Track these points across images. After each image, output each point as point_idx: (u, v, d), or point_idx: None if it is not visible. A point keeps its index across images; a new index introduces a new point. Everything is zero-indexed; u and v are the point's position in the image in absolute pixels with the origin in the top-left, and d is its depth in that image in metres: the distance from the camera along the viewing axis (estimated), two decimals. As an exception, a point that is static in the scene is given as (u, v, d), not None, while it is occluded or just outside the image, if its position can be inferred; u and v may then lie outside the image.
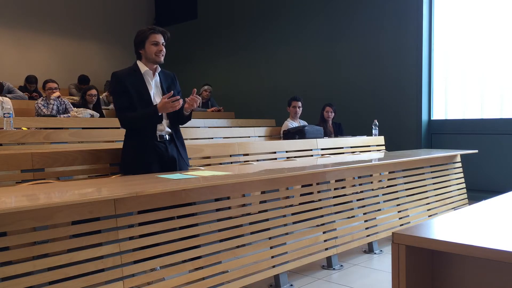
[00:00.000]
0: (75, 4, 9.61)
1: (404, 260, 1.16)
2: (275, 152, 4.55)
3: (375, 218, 3.80)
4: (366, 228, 3.69)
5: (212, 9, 9.34)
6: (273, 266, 2.89)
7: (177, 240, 2.45)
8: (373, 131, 5.92)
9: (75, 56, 9.60)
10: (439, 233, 1.21)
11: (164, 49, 3.09)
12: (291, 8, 7.92)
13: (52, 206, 1.92)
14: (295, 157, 4.67)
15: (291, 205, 3.13)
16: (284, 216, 3.04)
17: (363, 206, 3.74)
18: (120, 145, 3.16)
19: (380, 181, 4.00)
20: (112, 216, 2.21)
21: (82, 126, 4.48)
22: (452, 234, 1.17)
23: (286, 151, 4.68)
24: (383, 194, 3.95)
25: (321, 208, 3.33)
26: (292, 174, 3.02)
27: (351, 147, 5.49)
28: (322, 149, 5.11)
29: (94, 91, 6.06)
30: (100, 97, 6.66)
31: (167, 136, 3.12)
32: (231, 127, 6.31)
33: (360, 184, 3.76)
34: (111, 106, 6.74)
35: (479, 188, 5.79)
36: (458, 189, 4.93)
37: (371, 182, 3.87)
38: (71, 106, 5.89)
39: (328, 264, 3.35)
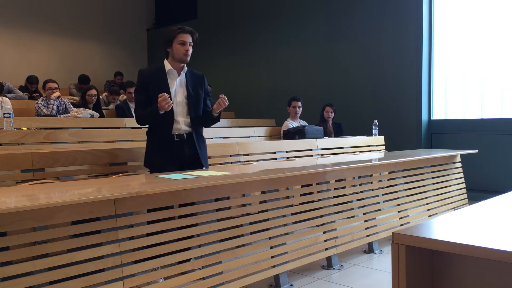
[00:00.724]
0: (75, 4, 9.61)
1: (404, 260, 1.16)
2: (275, 152, 4.55)
3: (375, 218, 3.80)
4: (366, 228, 3.69)
5: (212, 9, 9.34)
6: (273, 266, 2.89)
7: (177, 240, 2.45)
8: (373, 131, 5.92)
9: (75, 56, 9.60)
10: (439, 233, 1.21)
11: (191, 49, 3.12)
12: (291, 8, 7.91)
13: (52, 206, 1.92)
14: (295, 157, 4.67)
15: (291, 205, 3.13)
16: (284, 216, 3.04)
17: (363, 206, 3.74)
18: (120, 145, 3.17)
19: (380, 181, 4.00)
20: (112, 216, 2.21)
21: (82, 126, 4.47)
22: (452, 234, 1.17)
23: (286, 151, 4.68)
24: (383, 194, 3.95)
25: (321, 208, 3.33)
26: (292, 174, 3.02)
27: (351, 147, 5.49)
28: (322, 149, 5.11)
29: (94, 91, 6.05)
30: (100, 97, 6.65)
31: (185, 135, 3.13)
32: (231, 127, 6.31)
33: (360, 184, 3.76)
34: (111, 106, 6.74)
35: (479, 188, 5.79)
36: (458, 189, 4.93)
37: (371, 182, 3.87)
38: (71, 106, 5.89)
39: (328, 264, 3.35)
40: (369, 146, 5.75)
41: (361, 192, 3.76)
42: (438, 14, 6.42)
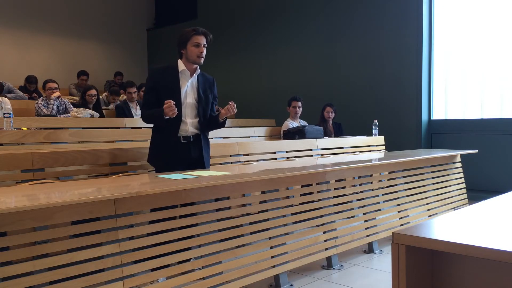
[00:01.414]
0: (75, 4, 9.61)
1: (404, 260, 1.16)
2: (275, 152, 4.55)
3: (375, 218, 3.80)
4: (366, 228, 3.69)
5: (212, 9, 9.34)
6: (273, 266, 2.89)
7: (177, 240, 2.45)
8: (373, 131, 5.92)
9: (75, 56, 9.60)
10: (439, 233, 1.21)
11: (204, 51, 3.11)
12: (291, 8, 7.91)
13: (52, 206, 1.92)
14: (295, 157, 4.67)
15: (291, 205, 3.13)
16: (284, 216, 3.04)
17: (363, 206, 3.74)
18: (120, 145, 3.17)
19: (380, 181, 4.00)
20: (112, 216, 2.21)
21: (82, 126, 4.47)
22: (452, 234, 1.17)
23: (286, 151, 4.68)
24: (383, 194, 3.95)
25: (321, 208, 3.33)
26: (292, 174, 3.02)
27: (351, 147, 5.49)
28: (322, 149, 5.11)
29: (94, 91, 6.05)
30: (100, 97, 6.65)
31: (191, 137, 3.14)
32: (231, 127, 6.31)
33: (360, 184, 3.76)
34: (111, 106, 6.74)
35: (479, 188, 5.79)
36: (458, 189, 4.93)
37: (371, 182, 3.87)
38: (71, 106, 5.89)
39: (328, 264, 3.35)
40: (369, 146, 5.75)
41: (361, 192, 3.76)
42: (438, 14, 6.42)
